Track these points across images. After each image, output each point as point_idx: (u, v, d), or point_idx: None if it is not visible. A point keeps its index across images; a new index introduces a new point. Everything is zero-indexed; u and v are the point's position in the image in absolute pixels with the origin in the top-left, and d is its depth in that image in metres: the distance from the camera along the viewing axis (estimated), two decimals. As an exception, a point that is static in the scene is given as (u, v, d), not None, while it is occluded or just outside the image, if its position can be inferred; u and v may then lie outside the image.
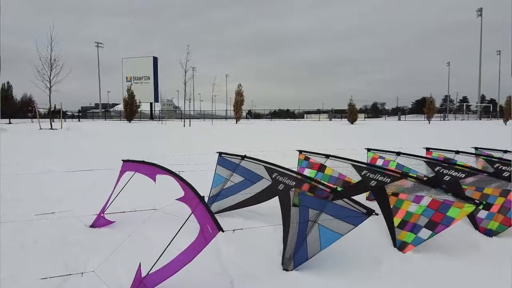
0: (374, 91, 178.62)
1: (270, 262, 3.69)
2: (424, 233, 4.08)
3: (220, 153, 5.58)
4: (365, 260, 3.76)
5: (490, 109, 78.68)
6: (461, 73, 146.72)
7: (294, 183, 4.41)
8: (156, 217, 4.64)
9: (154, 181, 4.44)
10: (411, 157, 6.21)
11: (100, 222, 4.67)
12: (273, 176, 4.80)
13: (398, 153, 6.26)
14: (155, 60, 55.65)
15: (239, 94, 44.55)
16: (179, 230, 3.18)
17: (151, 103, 55.80)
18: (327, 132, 27.56)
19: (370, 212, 3.40)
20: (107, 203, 4.74)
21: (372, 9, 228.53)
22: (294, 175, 4.47)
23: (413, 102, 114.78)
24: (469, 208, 3.92)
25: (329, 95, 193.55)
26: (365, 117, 69.48)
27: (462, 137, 22.50)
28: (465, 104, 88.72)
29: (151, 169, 4.53)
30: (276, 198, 4.44)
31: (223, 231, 2.78)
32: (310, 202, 3.97)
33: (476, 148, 7.51)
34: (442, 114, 65.38)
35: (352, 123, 44.17)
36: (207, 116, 60.74)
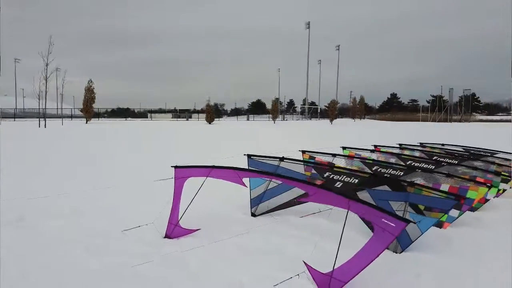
0: (213, 92, 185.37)
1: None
2: (454, 212, 5.20)
3: (249, 156, 5.70)
4: (435, 237, 4.62)
5: (317, 111, 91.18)
6: (289, 78, 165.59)
7: (356, 180, 5.00)
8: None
9: (243, 185, 4.44)
10: (383, 154, 7.46)
11: (176, 231, 4.35)
12: (325, 175, 5.27)
13: (372, 151, 7.42)
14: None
15: (89, 91, 40.67)
16: (343, 228, 3.46)
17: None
18: (207, 132, 28.00)
19: (459, 197, 4.30)
20: (176, 211, 4.42)
21: (219, 12, 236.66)
22: (355, 172, 5.06)
23: (249, 104, 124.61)
24: (483, 190, 5.21)
25: (170, 95, 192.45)
26: (198, 117, 72.09)
27: (322, 133, 26.15)
28: (300, 106, 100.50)
29: (232, 172, 4.49)
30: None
31: (414, 222, 3.23)
32: (387, 196, 4.66)
33: (421, 144, 9.37)
34: (281, 115, 73.00)
35: (210, 123, 45.47)
36: (35, 115, 52.39)
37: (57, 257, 3.73)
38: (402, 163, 6.80)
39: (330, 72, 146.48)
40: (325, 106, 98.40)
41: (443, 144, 9.92)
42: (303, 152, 6.73)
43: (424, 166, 6.70)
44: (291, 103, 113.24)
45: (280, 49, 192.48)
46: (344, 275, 3.25)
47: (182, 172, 4.63)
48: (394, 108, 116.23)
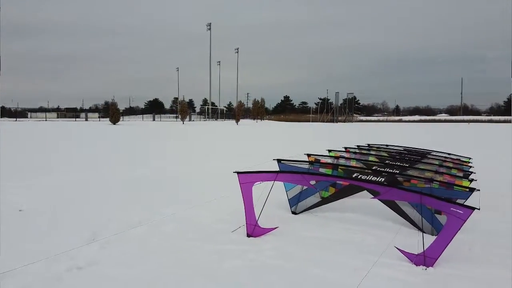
0: (103, 90, 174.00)
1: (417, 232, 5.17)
2: (447, 202, 6.45)
3: (279, 160, 6.24)
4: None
5: (218, 111, 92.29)
6: (187, 78, 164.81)
7: (383, 179, 5.90)
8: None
9: (312, 186, 5.03)
10: (353, 154, 8.55)
11: (257, 231, 4.74)
12: (354, 176, 6.07)
13: (355, 152, 8.48)
14: None
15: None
16: (422, 219, 4.31)
17: None
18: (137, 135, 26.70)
19: (472, 189, 5.46)
20: (251, 213, 4.79)
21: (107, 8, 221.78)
22: (381, 173, 5.96)
23: (145, 103, 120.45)
24: (466, 182, 6.55)
25: (48, 92, 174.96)
26: (99, 117, 68.50)
27: (254, 134, 27.10)
28: (199, 106, 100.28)
29: (299, 176, 5.05)
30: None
31: (478, 209, 4.20)
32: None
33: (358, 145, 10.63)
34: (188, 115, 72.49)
35: (114, 124, 43.13)
36: None
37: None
38: (380, 162, 7.97)
39: (226, 73, 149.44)
40: (225, 107, 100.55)
41: (387, 145, 11.50)
42: (308, 155, 7.43)
43: (401, 164, 7.94)
44: (191, 104, 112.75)
45: (177, 48, 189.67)
46: (434, 253, 4.10)
47: (247, 177, 4.96)
48: (287, 110, 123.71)
